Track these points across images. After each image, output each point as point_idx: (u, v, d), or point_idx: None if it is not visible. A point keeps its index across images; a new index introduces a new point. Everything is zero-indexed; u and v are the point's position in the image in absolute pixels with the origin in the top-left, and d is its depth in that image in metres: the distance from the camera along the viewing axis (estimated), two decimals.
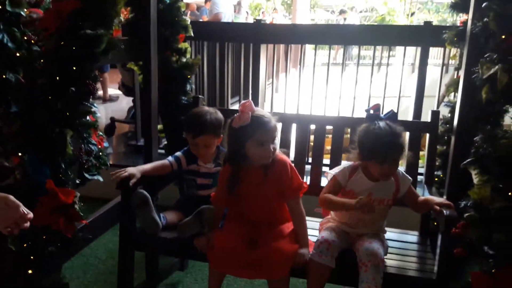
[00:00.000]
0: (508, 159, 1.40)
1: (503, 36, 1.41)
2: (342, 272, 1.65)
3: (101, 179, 2.05)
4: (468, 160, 1.49)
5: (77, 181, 1.94)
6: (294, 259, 1.61)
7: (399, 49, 7.15)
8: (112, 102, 6.14)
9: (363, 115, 1.81)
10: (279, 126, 1.95)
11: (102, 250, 2.60)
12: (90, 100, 1.87)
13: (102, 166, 2.12)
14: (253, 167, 1.71)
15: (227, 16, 6.05)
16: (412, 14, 17.31)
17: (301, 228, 1.73)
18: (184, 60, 2.44)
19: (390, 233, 1.98)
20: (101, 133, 2.18)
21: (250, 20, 12.28)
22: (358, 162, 1.77)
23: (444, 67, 3.74)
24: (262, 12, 14.06)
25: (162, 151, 2.76)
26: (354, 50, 10.52)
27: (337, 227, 1.78)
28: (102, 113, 4.84)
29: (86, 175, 2.02)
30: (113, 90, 6.16)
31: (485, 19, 1.50)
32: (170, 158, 2.03)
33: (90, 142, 2.04)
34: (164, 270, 2.35)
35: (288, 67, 6.09)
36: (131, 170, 1.85)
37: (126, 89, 5.07)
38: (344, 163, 1.88)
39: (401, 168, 2.09)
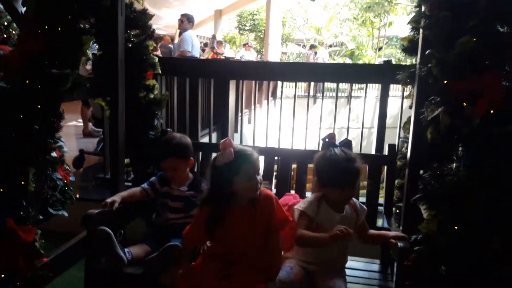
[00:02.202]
0: (454, 196, 1.49)
1: (445, 81, 1.53)
2: None
3: (65, 214, 2.04)
4: (417, 196, 1.57)
5: (40, 217, 1.93)
6: None
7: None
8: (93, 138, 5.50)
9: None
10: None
11: (67, 287, 2.53)
12: (56, 135, 1.90)
13: (68, 200, 2.11)
14: (238, 206, 1.71)
15: (194, 52, 6.29)
16: (380, 48, 18.00)
17: (277, 261, 1.74)
18: (152, 96, 2.49)
19: (354, 262, 2.06)
20: (67, 167, 2.17)
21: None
22: (320, 194, 1.78)
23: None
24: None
25: (130, 183, 2.76)
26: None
27: (297, 264, 1.73)
28: (74, 146, 4.76)
29: (51, 210, 2.01)
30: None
31: (429, 65, 1.61)
32: (144, 184, 2.15)
33: (55, 177, 2.04)
34: None
35: (260, 99, 6.25)
36: (112, 197, 2.00)
37: (96, 120, 5.07)
38: (308, 196, 1.91)
39: (362, 198, 2.18)
